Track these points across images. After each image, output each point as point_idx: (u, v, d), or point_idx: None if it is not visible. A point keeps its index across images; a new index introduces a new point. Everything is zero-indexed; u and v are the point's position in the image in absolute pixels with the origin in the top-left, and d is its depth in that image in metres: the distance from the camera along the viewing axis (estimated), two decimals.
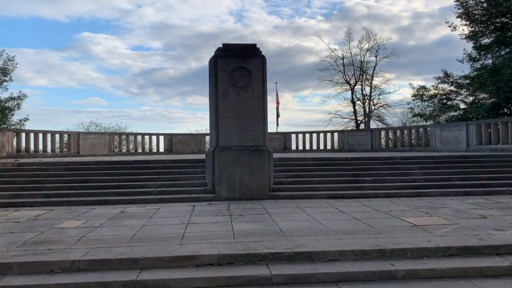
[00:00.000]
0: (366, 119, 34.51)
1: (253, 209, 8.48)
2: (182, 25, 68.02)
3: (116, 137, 23.39)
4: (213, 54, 10.52)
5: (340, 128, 32.91)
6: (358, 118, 36.64)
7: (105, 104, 71.44)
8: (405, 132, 22.01)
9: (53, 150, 19.42)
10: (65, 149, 20.09)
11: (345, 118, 36.42)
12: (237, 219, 7.28)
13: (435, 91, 24.99)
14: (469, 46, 24.01)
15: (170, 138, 24.17)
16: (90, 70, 66.94)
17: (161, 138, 24.18)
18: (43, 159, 15.28)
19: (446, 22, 26.38)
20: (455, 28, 24.00)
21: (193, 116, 71.11)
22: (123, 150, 22.85)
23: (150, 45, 70.24)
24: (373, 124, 34.78)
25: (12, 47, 64.59)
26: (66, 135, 20.29)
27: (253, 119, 10.11)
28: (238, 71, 10.11)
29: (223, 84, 10.09)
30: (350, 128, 32.93)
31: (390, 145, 22.83)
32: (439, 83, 24.81)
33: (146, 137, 23.73)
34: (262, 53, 10.38)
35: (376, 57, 35.05)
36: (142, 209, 8.64)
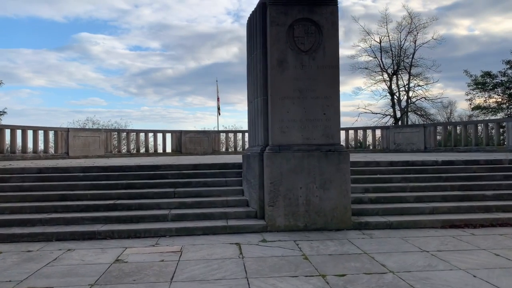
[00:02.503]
0: (404, 113, 30.69)
1: (346, 255, 4.99)
2: (180, 25, 69.03)
3: (114, 134, 19.97)
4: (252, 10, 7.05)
5: (372, 125, 29.23)
6: (387, 113, 32.98)
7: (104, 104, 72.23)
8: (469, 128, 18.39)
9: (35, 150, 16.03)
10: (51, 150, 16.73)
11: (377, 113, 32.73)
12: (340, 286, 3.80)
13: (503, 78, 21.13)
14: None
15: (179, 136, 20.73)
16: (89, 70, 68.06)
17: (168, 136, 20.74)
18: (19, 163, 11.88)
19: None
20: None
21: (192, 116, 71.53)
22: (123, 151, 19.43)
23: (148, 45, 71.44)
24: (411, 120, 31.13)
25: (10, 47, 64.94)
26: (51, 132, 16.89)
27: (325, 101, 6.60)
28: (301, 26, 6.61)
29: (277, 46, 6.59)
30: (388, 125, 29.12)
31: (448, 144, 19.22)
32: (508, 68, 20.97)
33: (150, 134, 20.32)
34: None
35: (415, 42, 31.21)
36: (153, 253, 5.18)
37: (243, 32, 68.40)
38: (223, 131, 23.17)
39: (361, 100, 78.76)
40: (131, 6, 66.90)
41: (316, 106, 6.57)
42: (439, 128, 20.20)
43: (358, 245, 5.42)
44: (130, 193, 7.56)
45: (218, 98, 30.25)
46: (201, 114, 73.46)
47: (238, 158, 11.62)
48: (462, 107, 70.83)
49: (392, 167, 9.16)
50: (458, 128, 19.09)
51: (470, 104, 23.50)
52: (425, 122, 26.04)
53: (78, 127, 23.06)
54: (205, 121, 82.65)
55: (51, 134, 16.94)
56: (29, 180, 8.14)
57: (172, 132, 20.84)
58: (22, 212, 6.85)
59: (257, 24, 7.05)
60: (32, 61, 64.41)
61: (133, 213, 6.80)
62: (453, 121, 27.32)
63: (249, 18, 7.70)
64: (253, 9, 7.45)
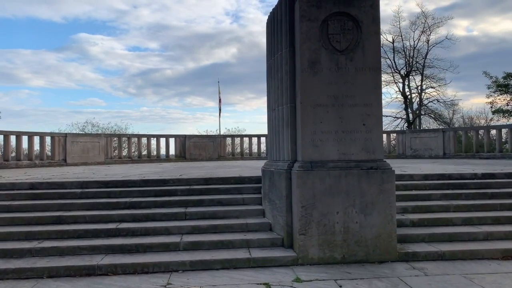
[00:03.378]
0: (417, 116, 29.71)
1: None
2: (178, 25, 69.51)
3: (114, 139, 19.04)
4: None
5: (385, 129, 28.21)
6: (399, 116, 31.99)
7: (104, 104, 72.55)
8: (492, 133, 17.45)
9: (30, 157, 15.10)
10: (47, 157, 15.82)
11: (387, 115, 31.72)
12: None
13: None
14: None
15: (183, 141, 19.80)
16: (88, 71, 68.54)
17: (172, 141, 19.82)
18: (12, 173, 10.96)
19: None
20: None
21: (192, 117, 71.92)
22: (124, 156, 18.50)
23: (147, 46, 72.00)
24: (424, 124, 30.15)
25: (9, 47, 65.18)
26: (48, 138, 15.98)
27: (365, 109, 5.66)
28: (336, 22, 5.68)
29: (308, 45, 5.66)
30: (404, 129, 28.09)
31: (469, 149, 18.28)
32: None
33: (153, 139, 19.41)
34: None
35: (428, 42, 30.23)
36: None
37: (242, 32, 68.39)
38: (229, 136, 22.25)
39: None
40: (129, 7, 66.81)
41: (355, 115, 5.63)
42: (459, 133, 19.23)
43: (413, 287, 4.48)
44: (135, 215, 6.62)
45: (220, 100, 29.57)
46: (201, 114, 73.79)
47: (250, 167, 10.75)
48: (465, 107, 70.01)
49: (427, 181, 8.20)
50: (481, 133, 18.15)
51: (492, 107, 22.50)
52: (443, 127, 25.08)
53: (77, 132, 21.99)
54: (205, 122, 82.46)
55: (47, 140, 16.03)
56: (20, 198, 7.21)
57: (175, 136, 19.92)
58: (9, 239, 5.92)
59: (282, 20, 6.12)
60: (31, 61, 64.53)
61: (139, 240, 5.86)
62: (475, 125, 26.31)
63: (270, 14, 6.78)
64: (276, 4, 6.54)
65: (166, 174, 9.74)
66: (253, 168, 11.45)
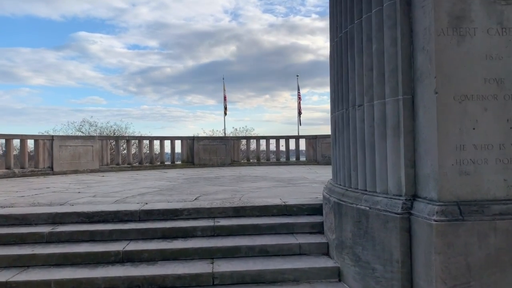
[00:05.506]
0: None
1: None
2: (177, 24, 68.59)
3: (111, 142, 16.52)
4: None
5: None
6: None
7: (104, 103, 71.73)
8: None
9: (8, 166, 12.62)
10: (29, 164, 13.34)
11: None
12: None
13: None
14: None
15: (191, 144, 17.28)
16: (87, 69, 68.13)
17: (178, 143, 17.30)
18: None
19: None
20: None
21: (192, 115, 70.86)
22: (122, 162, 16.01)
23: (146, 44, 71.24)
24: None
25: (9, 46, 64.04)
26: (31, 141, 13.50)
27: None
28: None
29: None
30: None
31: None
32: None
33: (156, 142, 16.89)
34: None
35: None
36: None
37: (241, 30, 66.82)
38: (243, 137, 19.73)
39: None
40: (128, 5, 65.37)
41: None
42: None
43: None
44: (132, 279, 4.11)
45: (225, 97, 27.57)
46: (201, 113, 73.05)
47: (280, 180, 7.64)
48: None
49: None
50: None
51: None
52: None
53: (66, 134, 19.13)
54: (206, 120, 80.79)
55: (30, 144, 13.57)
56: None
57: (182, 138, 17.40)
58: None
59: None
60: (31, 60, 63.88)
61: None
62: None
63: None
64: None
65: (175, 193, 7.23)
66: (286, 182, 8.95)
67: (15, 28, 66.50)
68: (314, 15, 69.61)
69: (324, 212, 5.02)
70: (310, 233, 5.10)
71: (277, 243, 4.75)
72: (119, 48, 68.04)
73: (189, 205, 5.71)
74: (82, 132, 31.18)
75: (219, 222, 5.23)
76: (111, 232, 4.97)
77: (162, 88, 72.60)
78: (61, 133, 26.75)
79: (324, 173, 12.00)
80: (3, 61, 57.74)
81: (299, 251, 4.69)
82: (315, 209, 5.58)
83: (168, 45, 68.97)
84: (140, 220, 5.37)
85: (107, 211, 5.42)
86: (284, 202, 5.79)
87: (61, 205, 6.08)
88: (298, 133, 22.43)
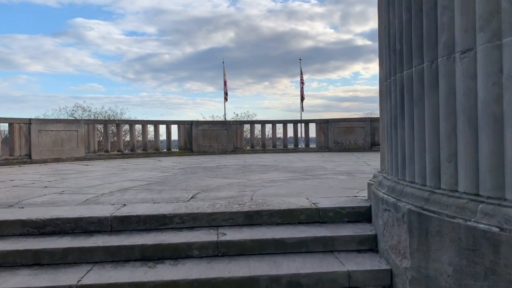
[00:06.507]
0: None
1: None
2: (175, 10, 67.40)
3: (99, 127, 14.87)
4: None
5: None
6: None
7: (103, 90, 71.42)
8: None
9: None
10: (3, 151, 11.75)
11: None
12: None
13: None
14: None
15: (189, 129, 15.65)
16: (85, 56, 67.57)
17: (174, 128, 15.66)
18: None
19: None
20: None
21: (192, 102, 70.13)
22: (111, 150, 14.40)
23: (144, 30, 70.26)
24: None
25: (5, 32, 62.75)
26: (5, 125, 11.88)
27: None
28: None
29: None
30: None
31: None
32: None
33: (150, 126, 15.24)
34: None
35: None
36: None
37: (239, 16, 65.12)
38: (247, 122, 18.07)
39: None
40: None
41: None
42: None
43: None
44: None
45: (225, 82, 26.40)
46: (201, 100, 72.26)
47: (293, 169, 6.38)
48: None
49: None
50: None
51: None
52: None
53: (47, 118, 16.92)
54: (205, 107, 79.56)
55: (3, 128, 11.96)
56: None
57: (179, 123, 15.75)
58: None
59: None
60: (28, 46, 63.24)
61: None
62: None
63: None
64: None
65: (166, 188, 5.64)
66: (302, 173, 7.32)
67: (12, 14, 65.37)
68: (313, 1, 68.16)
69: (380, 221, 3.42)
70: (358, 251, 3.52)
71: (313, 270, 3.16)
72: (117, 34, 66.89)
73: (182, 208, 4.11)
74: (74, 118, 29.49)
75: (224, 234, 3.64)
76: (65, 251, 3.38)
77: (161, 75, 71.72)
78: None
79: (343, 162, 10.40)
80: (0, 47, 56.33)
81: (348, 284, 3.11)
82: (359, 214, 4.01)
83: (166, 31, 67.71)
84: (112, 231, 3.78)
85: (65, 218, 3.81)
86: (313, 203, 4.19)
87: (8, 206, 4.49)
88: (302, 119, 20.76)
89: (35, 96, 66.44)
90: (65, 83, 73.95)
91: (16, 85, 64.30)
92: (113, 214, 3.86)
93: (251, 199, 4.67)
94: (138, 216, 3.85)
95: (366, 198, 4.42)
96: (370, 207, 4.00)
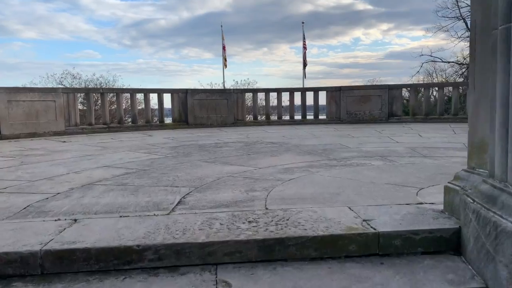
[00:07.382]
0: None
1: None
2: None
3: (80, 96, 13.21)
4: None
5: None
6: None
7: (99, 57, 69.50)
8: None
9: None
10: None
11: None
12: None
13: None
14: None
15: (184, 99, 14.00)
16: (80, 22, 65.02)
17: (168, 97, 14.02)
18: None
19: None
20: None
21: (189, 69, 68.07)
22: (96, 123, 12.84)
23: None
24: None
25: None
26: None
27: None
28: None
29: None
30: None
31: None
32: None
33: (139, 95, 13.58)
34: None
35: None
36: None
37: None
38: (249, 90, 16.39)
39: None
40: None
41: None
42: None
43: None
44: None
45: (224, 47, 25.10)
46: (198, 66, 70.24)
47: (310, 150, 4.55)
48: None
49: None
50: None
51: None
52: None
53: (18, 86, 14.47)
54: (203, 75, 77.54)
55: None
56: None
57: (173, 91, 14.09)
58: None
59: None
60: (20, 12, 60.76)
61: None
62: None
63: None
64: None
65: (148, 182, 4.17)
66: (322, 155, 5.67)
67: None
68: None
69: (503, 271, 1.93)
70: None
71: None
72: None
73: (160, 231, 2.62)
74: (63, 86, 27.68)
75: (228, 285, 2.17)
76: None
77: (157, 41, 69.65)
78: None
79: (364, 138, 8.88)
80: None
81: None
82: (441, 242, 2.53)
83: None
84: (44, 274, 2.32)
85: None
86: (365, 221, 2.71)
87: None
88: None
89: (30, 63, 64.65)
90: (60, 50, 71.97)
91: (11, 52, 62.13)
92: (46, 246, 2.38)
93: (266, 208, 3.19)
94: (87, 251, 2.37)
95: (442, 209, 2.94)
96: (458, 230, 2.52)
